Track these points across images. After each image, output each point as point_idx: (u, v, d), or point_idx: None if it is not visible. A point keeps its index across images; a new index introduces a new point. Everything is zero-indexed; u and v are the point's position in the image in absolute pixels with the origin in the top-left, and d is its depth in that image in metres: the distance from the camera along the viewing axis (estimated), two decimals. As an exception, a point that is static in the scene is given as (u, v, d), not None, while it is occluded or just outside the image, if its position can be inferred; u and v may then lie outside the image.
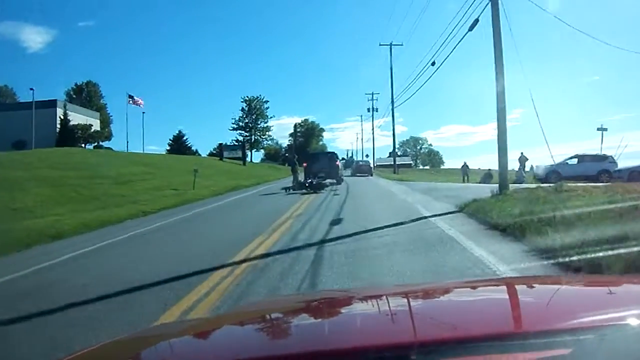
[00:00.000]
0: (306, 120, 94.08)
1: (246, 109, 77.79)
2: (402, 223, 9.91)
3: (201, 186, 27.03)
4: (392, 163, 78.71)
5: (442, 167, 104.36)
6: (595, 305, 1.33)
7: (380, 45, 49.36)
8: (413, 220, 10.34)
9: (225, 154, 58.51)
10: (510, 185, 19.66)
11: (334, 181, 26.75)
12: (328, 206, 14.21)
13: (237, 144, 67.25)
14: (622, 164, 23.98)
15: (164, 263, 7.34)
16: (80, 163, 27.43)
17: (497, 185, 15.05)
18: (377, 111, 71.35)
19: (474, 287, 1.99)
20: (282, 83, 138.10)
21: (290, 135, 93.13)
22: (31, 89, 53.46)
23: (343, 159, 38.62)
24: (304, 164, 27.78)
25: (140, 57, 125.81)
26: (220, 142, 58.23)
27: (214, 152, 67.86)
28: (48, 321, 4.75)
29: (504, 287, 1.90)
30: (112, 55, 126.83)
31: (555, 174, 25.64)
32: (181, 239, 10.19)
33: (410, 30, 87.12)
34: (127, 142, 63.87)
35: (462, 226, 9.45)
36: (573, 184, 15.39)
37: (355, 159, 76.02)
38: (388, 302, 1.64)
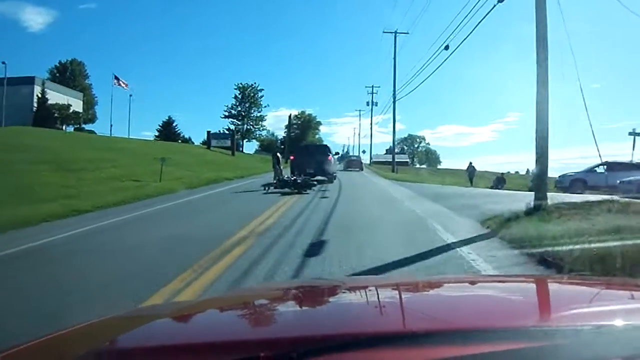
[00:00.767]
0: (303, 112, 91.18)
1: (239, 96, 73.97)
2: (420, 258, 6.31)
3: (172, 177, 23.45)
4: (389, 160, 75.75)
5: (438, 166, 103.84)
6: (570, 304, 1.30)
7: (384, 32, 45.66)
8: (435, 252, 6.79)
9: (214, 142, 54.79)
10: (526, 192, 16.29)
11: (325, 179, 23.23)
12: (310, 217, 10.60)
13: (227, 132, 63.45)
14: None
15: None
16: (30, 145, 23.72)
17: (513, 194, 11.46)
18: (376, 105, 68.24)
19: (459, 282, 2.20)
20: (282, 74, 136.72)
21: (286, 126, 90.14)
22: (3, 62, 49.13)
23: (337, 153, 34.62)
24: (291, 157, 24.26)
25: (138, 41, 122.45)
26: (209, 129, 54.20)
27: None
28: None
29: (489, 284, 1.99)
30: (110, 38, 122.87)
31: (580, 183, 22.13)
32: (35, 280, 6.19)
33: (415, 20, 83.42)
34: (111, 125, 59.92)
35: (514, 267, 5.99)
36: (629, 198, 11.97)
37: (351, 154, 73.96)
38: (377, 292, 1.66)
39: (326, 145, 29.23)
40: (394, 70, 44.26)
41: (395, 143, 53.40)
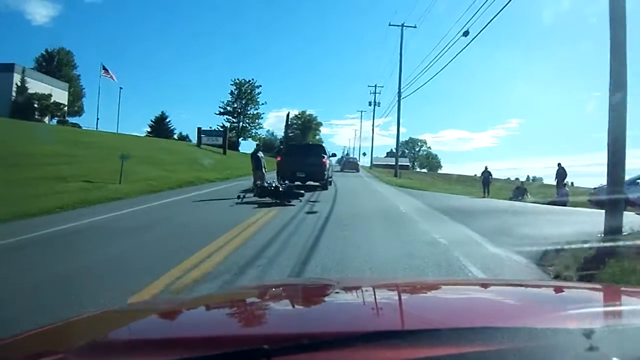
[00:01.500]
0: (303, 112, 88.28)
1: (235, 92, 70.35)
2: None
3: (140, 178, 19.85)
4: (390, 164, 73.01)
5: (439, 171, 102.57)
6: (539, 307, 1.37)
7: (390, 25, 42.07)
8: None
9: (205, 140, 51.23)
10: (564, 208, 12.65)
11: (318, 184, 19.63)
12: (282, 252, 6.93)
13: (221, 129, 59.62)
14: None
15: None
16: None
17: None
18: (379, 105, 64.81)
19: (457, 285, 2.28)
20: (284, 74, 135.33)
21: (287, 127, 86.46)
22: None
23: (334, 154, 30.81)
24: (278, 159, 20.66)
25: (136, 35, 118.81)
26: (199, 126, 50.60)
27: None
28: None
29: (482, 287, 2.00)
30: (111, 34, 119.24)
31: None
32: None
33: (422, 16, 79.81)
34: (97, 118, 55.84)
35: None
36: None
37: (350, 156, 71.65)
38: (368, 293, 1.67)
39: (320, 144, 25.33)
40: (400, 65, 40.80)
41: (395, 145, 49.75)
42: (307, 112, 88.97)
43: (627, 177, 18.37)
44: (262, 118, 71.98)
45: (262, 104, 71.32)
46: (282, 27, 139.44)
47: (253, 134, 71.47)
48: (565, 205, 20.01)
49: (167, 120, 71.88)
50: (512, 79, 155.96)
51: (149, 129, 69.42)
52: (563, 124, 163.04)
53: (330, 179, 22.30)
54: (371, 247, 7.54)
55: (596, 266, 5.95)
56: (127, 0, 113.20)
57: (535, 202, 20.34)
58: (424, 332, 1.02)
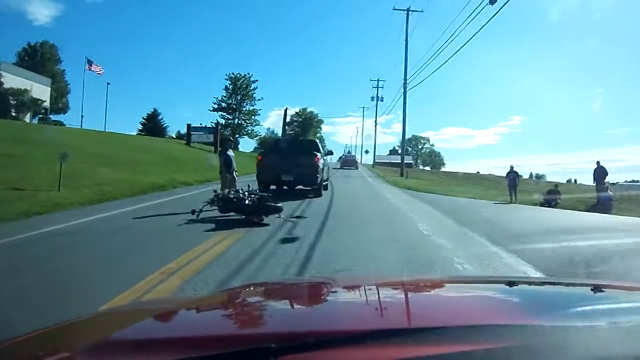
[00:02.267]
0: (304, 109, 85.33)
1: (230, 88, 66.32)
2: None
3: (92, 182, 16.10)
4: (394, 161, 69.51)
5: (442, 168, 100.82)
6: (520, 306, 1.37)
7: (394, 9, 38.33)
8: None
9: (196, 137, 47.62)
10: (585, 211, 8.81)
11: (309, 188, 15.84)
12: None
13: (214, 126, 55.56)
14: None
15: None
16: None
17: None
18: (382, 101, 61.11)
19: (452, 283, 2.19)
20: (286, 72, 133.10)
21: (288, 124, 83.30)
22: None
23: (330, 152, 26.64)
24: (259, 158, 16.75)
25: (136, 32, 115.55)
26: (188, 122, 47.03)
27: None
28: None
29: (476, 285, 1.98)
30: (109, 33, 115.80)
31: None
32: None
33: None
34: (82, 115, 52.12)
35: None
36: None
37: (352, 153, 70.67)
38: (378, 291, 1.64)
39: (313, 140, 21.00)
40: (405, 52, 37.55)
41: (398, 144, 46.10)
42: (308, 110, 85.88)
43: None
44: (258, 114, 67.94)
45: (259, 99, 67.28)
46: (284, 24, 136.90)
47: (249, 132, 67.46)
48: (609, 211, 16.28)
49: (160, 117, 68.61)
50: (515, 76, 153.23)
51: (140, 127, 66.32)
52: (565, 120, 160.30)
53: (325, 182, 18.47)
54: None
55: None
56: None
57: (565, 207, 16.59)
58: (429, 330, 1.01)
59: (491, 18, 18.33)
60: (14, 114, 43.89)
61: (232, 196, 9.78)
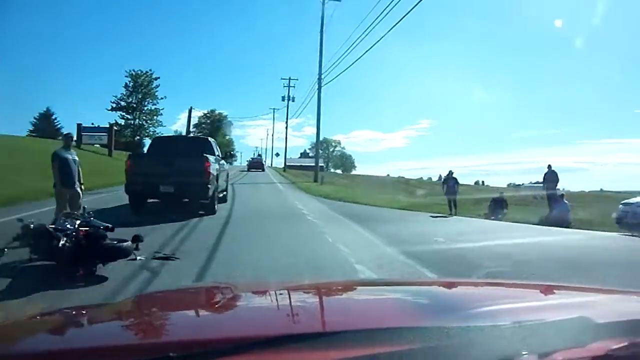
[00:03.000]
0: (212, 110, 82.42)
1: (131, 85, 60.24)
2: None
3: None
4: (305, 165, 67.78)
5: (353, 171, 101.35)
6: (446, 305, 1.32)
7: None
8: None
9: (88, 139, 41.88)
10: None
11: (200, 202, 12.13)
12: None
13: (114, 126, 49.29)
14: None
15: None
16: None
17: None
18: (293, 101, 58.33)
19: (363, 286, 2.16)
20: (194, 73, 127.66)
21: (196, 126, 78.22)
22: None
23: (229, 153, 22.84)
24: (127, 162, 12.73)
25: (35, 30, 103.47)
26: (79, 122, 41.23)
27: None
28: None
29: (392, 287, 1.94)
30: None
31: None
32: None
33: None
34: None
35: None
36: None
37: (258, 155, 70.42)
38: (268, 296, 1.61)
39: (205, 138, 15.63)
40: (320, 45, 35.21)
41: (309, 147, 43.94)
42: (217, 111, 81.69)
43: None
44: (161, 114, 62.12)
45: (162, 98, 61.70)
46: (196, 24, 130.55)
47: (151, 133, 61.52)
48: (568, 225, 14.13)
49: (54, 117, 61.48)
50: (425, 79, 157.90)
51: (32, 128, 59.88)
52: (473, 123, 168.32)
53: (224, 193, 14.91)
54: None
55: None
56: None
57: (532, 222, 14.38)
58: (336, 334, 0.99)
59: (408, 12, 17.15)
60: None
61: (52, 228, 5.85)
